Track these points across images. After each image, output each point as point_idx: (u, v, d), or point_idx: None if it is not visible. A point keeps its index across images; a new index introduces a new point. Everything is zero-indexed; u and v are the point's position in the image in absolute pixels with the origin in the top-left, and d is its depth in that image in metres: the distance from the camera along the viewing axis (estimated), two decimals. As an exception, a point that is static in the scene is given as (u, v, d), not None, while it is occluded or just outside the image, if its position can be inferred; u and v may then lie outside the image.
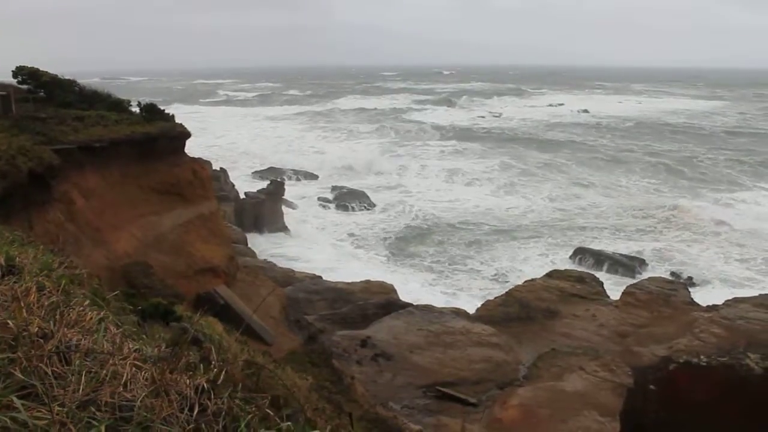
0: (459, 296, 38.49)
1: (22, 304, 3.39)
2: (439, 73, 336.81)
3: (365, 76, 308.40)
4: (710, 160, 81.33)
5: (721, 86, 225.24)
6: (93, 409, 2.50)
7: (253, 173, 72.00)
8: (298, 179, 70.06)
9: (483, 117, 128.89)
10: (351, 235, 52.51)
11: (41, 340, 2.96)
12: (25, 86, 24.00)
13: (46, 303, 3.60)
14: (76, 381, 2.57)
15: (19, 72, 24.36)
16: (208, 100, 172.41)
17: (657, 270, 41.72)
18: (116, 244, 18.13)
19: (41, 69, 24.92)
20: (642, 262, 44.28)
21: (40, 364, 2.74)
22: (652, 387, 18.58)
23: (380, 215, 58.67)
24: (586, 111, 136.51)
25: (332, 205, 61.18)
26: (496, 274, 43.78)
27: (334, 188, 65.40)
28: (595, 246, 47.57)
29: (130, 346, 3.71)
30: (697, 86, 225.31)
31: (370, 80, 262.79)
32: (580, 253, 45.81)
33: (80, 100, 23.47)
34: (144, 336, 4.80)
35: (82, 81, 25.97)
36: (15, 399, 2.38)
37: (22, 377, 2.56)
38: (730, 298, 26.14)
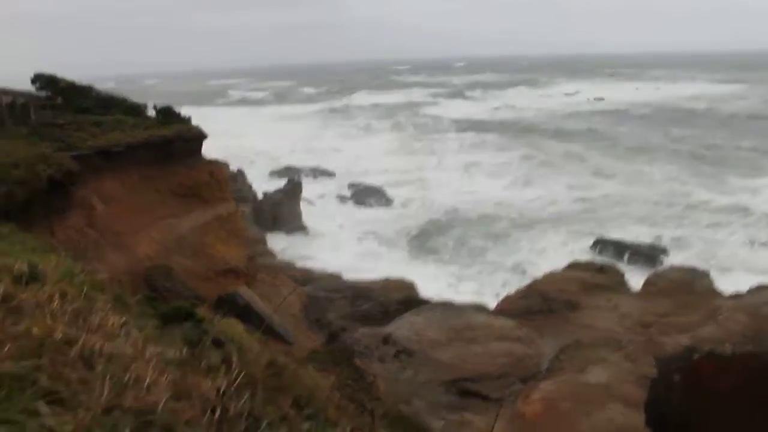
0: (480, 291, 38.41)
1: (46, 311, 3.47)
2: (450, 66, 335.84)
3: (377, 70, 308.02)
4: (733, 146, 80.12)
5: (741, 69, 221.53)
6: (117, 414, 2.56)
7: (270, 173, 72.25)
8: (315, 177, 70.25)
9: (498, 108, 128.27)
10: (370, 232, 52.52)
11: (65, 346, 3.02)
12: (43, 93, 24.33)
13: (69, 309, 3.68)
14: (100, 386, 2.63)
15: (37, 79, 24.69)
16: (222, 100, 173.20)
17: (679, 258, 41.26)
18: (137, 247, 18.34)
19: (58, 76, 25.23)
20: (663, 251, 43.85)
21: (65, 370, 2.81)
22: (676, 377, 18.42)
23: (399, 210, 58.69)
24: (601, 99, 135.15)
25: (350, 202, 61.35)
26: (516, 267, 43.61)
27: (351, 185, 65.52)
28: (616, 236, 47.14)
29: (152, 350, 3.77)
30: (716, 70, 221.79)
31: (383, 75, 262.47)
32: (599, 243, 45.47)
33: (97, 105, 23.73)
34: (166, 339, 4.87)
35: (98, 86, 26.28)
36: (41, 405, 2.44)
37: (48, 383, 2.62)
38: (754, 285, 25.85)
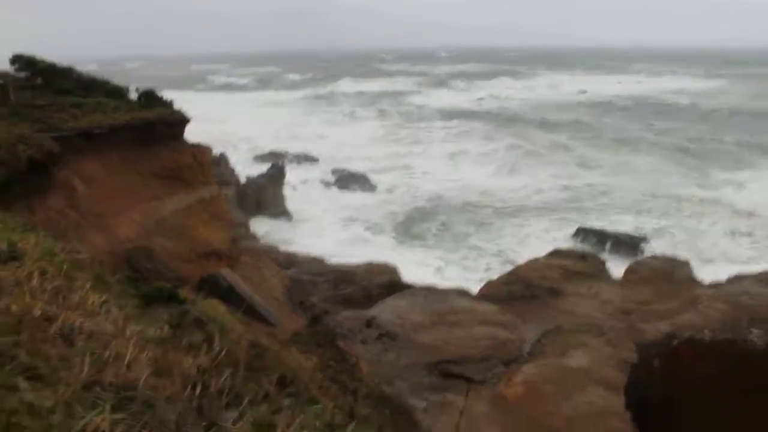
0: (463, 276, 38.68)
1: (25, 289, 3.43)
2: (435, 56, 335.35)
3: (362, 58, 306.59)
4: (716, 139, 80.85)
5: (726, 65, 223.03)
6: (98, 390, 2.54)
7: (254, 158, 72.03)
8: (299, 163, 70.07)
9: (482, 99, 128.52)
10: (354, 217, 52.65)
11: (45, 323, 3.00)
12: (22, 74, 23.95)
13: (48, 287, 3.65)
14: (80, 362, 2.61)
15: (17, 60, 24.28)
16: (206, 84, 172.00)
17: (660, 248, 41.73)
18: (118, 229, 18.20)
19: (38, 56, 24.85)
20: (645, 240, 44.26)
21: (44, 346, 2.78)
22: (656, 362, 18.67)
23: (384, 196, 58.84)
24: (584, 91, 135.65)
25: (334, 188, 61.30)
26: (499, 254, 43.94)
27: (335, 171, 65.45)
28: (599, 225, 47.53)
29: (133, 328, 3.76)
30: (699, 65, 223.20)
31: (368, 62, 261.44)
32: (582, 232, 45.83)
33: (78, 87, 23.42)
34: (147, 318, 4.86)
35: (80, 68, 25.92)
36: (20, 380, 2.42)
37: (27, 359, 2.59)
38: (733, 274, 26.17)
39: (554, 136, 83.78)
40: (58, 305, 3.36)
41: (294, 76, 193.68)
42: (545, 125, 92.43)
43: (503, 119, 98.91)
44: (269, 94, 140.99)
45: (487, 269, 40.11)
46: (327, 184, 62.15)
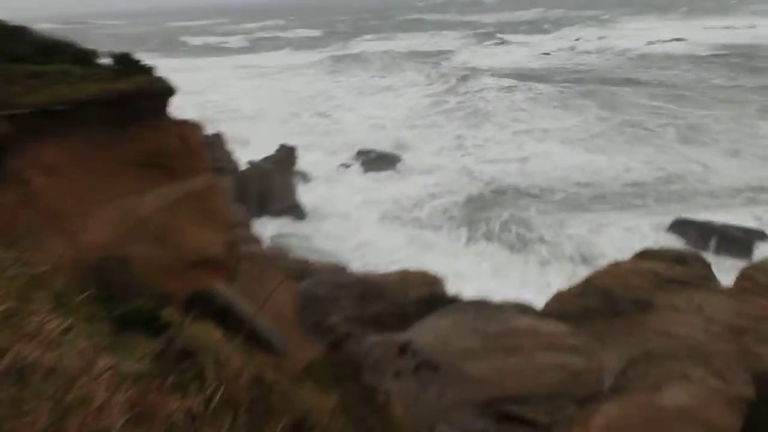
0: (525, 284, 38.74)
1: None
2: (482, 1, 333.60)
3: (391, 8, 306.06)
4: None
5: None
6: (59, 443, 2.56)
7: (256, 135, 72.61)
8: (313, 144, 70.48)
9: (548, 54, 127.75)
10: (385, 212, 52.78)
11: (-7, 358, 3.03)
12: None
13: (-3, 311, 3.69)
14: (36, 408, 2.63)
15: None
16: (192, 46, 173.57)
17: (784, 247, 41.11)
18: (85, 233, 18.46)
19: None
20: (762, 236, 43.56)
21: (-8, 388, 2.81)
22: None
23: (425, 184, 58.97)
24: (683, 39, 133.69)
25: (361, 174, 61.50)
26: (573, 255, 43.73)
27: (360, 153, 65.59)
28: (703, 216, 46.86)
29: (105, 361, 3.78)
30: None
31: (400, 12, 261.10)
32: (680, 225, 45.32)
33: (36, 52, 23.75)
34: (122, 349, 4.90)
35: (38, 27, 26.25)
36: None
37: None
38: None
39: (646, 100, 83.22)
40: (8, 334, 3.41)
41: (306, 33, 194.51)
42: (633, 86, 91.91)
43: (579, 80, 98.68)
44: (275, 57, 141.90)
45: (557, 275, 40.00)
46: (352, 170, 62.37)
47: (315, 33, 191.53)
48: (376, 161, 63.23)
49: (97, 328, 5.10)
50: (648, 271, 28.00)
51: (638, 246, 35.59)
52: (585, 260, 42.44)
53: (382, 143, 69.34)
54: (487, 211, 51.95)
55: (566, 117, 77.70)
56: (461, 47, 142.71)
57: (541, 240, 46.32)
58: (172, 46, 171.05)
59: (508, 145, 69.23)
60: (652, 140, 67.99)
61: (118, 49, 25.57)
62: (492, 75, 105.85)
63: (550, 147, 67.46)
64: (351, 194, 56.79)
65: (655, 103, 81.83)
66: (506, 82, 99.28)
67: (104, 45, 27.69)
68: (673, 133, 70.00)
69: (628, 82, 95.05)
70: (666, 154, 63.66)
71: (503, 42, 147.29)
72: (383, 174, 61.27)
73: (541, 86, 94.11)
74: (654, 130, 71.42)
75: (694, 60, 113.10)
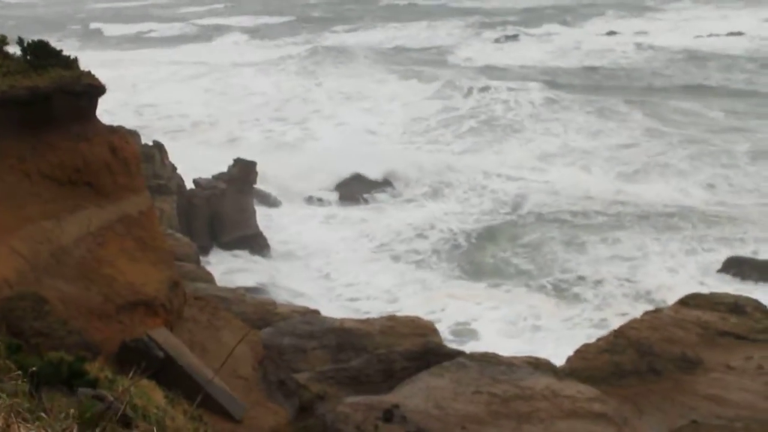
0: (542, 336, 39.04)
1: None
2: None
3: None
4: None
5: None
6: None
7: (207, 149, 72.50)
8: (278, 157, 70.17)
9: (575, 49, 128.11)
10: (374, 243, 53.31)
11: None
12: None
13: None
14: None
15: None
16: (123, 34, 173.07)
17: None
18: (-11, 266, 18.36)
19: None
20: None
21: None
22: None
23: (422, 209, 59.76)
24: (737, 33, 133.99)
25: (339, 198, 61.60)
26: (601, 301, 43.78)
27: (340, 173, 65.05)
28: (764, 255, 47.19)
29: (22, 431, 3.78)
30: None
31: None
32: (734, 265, 45.53)
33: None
34: (42, 414, 4.87)
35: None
36: None
37: None
38: None
39: (699, 106, 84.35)
40: None
41: (269, 20, 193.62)
42: (685, 92, 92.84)
43: (617, 86, 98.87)
44: (230, 50, 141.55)
45: (579, 323, 40.11)
46: (328, 193, 62.34)
47: (280, 20, 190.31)
48: (355, 184, 63.38)
49: (12, 386, 5.09)
50: (694, 321, 28.08)
51: (684, 290, 35.68)
52: (612, 306, 42.52)
53: (371, 161, 68.98)
54: (501, 242, 52.40)
55: (597, 127, 77.91)
56: (464, 41, 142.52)
57: (560, 279, 46.54)
58: (95, 33, 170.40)
59: (527, 167, 69.41)
60: (706, 156, 68.33)
61: (28, 36, 25.35)
62: (507, 76, 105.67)
63: (577, 171, 67.65)
64: (328, 221, 56.84)
65: (714, 115, 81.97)
66: (527, 85, 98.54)
67: (9, 31, 27.45)
68: (745, 153, 70.16)
69: (685, 89, 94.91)
70: (722, 172, 64.13)
71: (515, 36, 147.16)
72: (370, 197, 61.94)
73: (566, 91, 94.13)
74: (707, 143, 71.75)
75: (761, 60, 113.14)
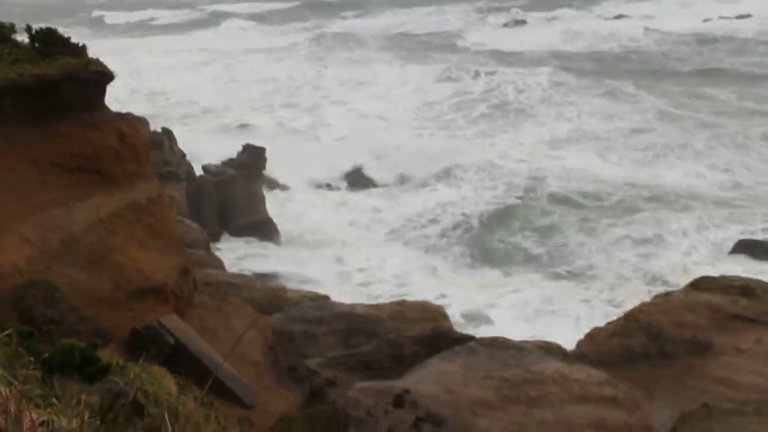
0: (555, 320, 38.99)
1: None
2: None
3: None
4: None
5: None
6: None
7: (215, 135, 72.26)
8: (289, 143, 70.04)
9: (580, 34, 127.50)
10: (383, 229, 53.23)
11: None
12: None
13: None
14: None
15: None
16: (132, 21, 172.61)
17: None
18: (0, 254, 18.38)
19: None
20: None
21: None
22: None
23: (433, 195, 59.37)
24: (745, 16, 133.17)
25: (349, 183, 61.50)
26: (613, 283, 43.71)
27: (352, 159, 64.98)
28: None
29: (33, 416, 3.80)
30: None
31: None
32: (745, 248, 45.46)
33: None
34: (55, 400, 4.89)
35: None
36: None
37: None
38: None
39: (712, 89, 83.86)
40: None
41: (274, 6, 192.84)
42: (697, 75, 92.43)
43: (629, 70, 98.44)
44: (238, 37, 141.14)
45: (591, 307, 40.37)
46: (337, 178, 62.26)
47: (287, 5, 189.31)
48: (373, 170, 63.53)
49: (21, 373, 5.11)
50: (705, 304, 27.98)
51: (694, 273, 35.57)
52: (624, 289, 42.47)
53: (382, 147, 68.82)
54: (514, 226, 52.47)
55: (620, 113, 77.60)
56: (473, 25, 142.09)
57: (570, 262, 46.67)
58: (101, 21, 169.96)
59: (545, 148, 69.49)
60: (732, 143, 68.09)
61: (35, 23, 25.28)
62: (517, 60, 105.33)
63: (590, 155, 67.18)
64: (339, 207, 56.75)
65: (726, 98, 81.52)
66: (538, 69, 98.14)
67: (17, 18, 27.35)
68: (759, 136, 69.79)
69: (696, 72, 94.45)
70: (739, 160, 63.96)
71: (523, 20, 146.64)
72: (379, 182, 62.01)
73: (575, 78, 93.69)
74: (722, 130, 71.38)
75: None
